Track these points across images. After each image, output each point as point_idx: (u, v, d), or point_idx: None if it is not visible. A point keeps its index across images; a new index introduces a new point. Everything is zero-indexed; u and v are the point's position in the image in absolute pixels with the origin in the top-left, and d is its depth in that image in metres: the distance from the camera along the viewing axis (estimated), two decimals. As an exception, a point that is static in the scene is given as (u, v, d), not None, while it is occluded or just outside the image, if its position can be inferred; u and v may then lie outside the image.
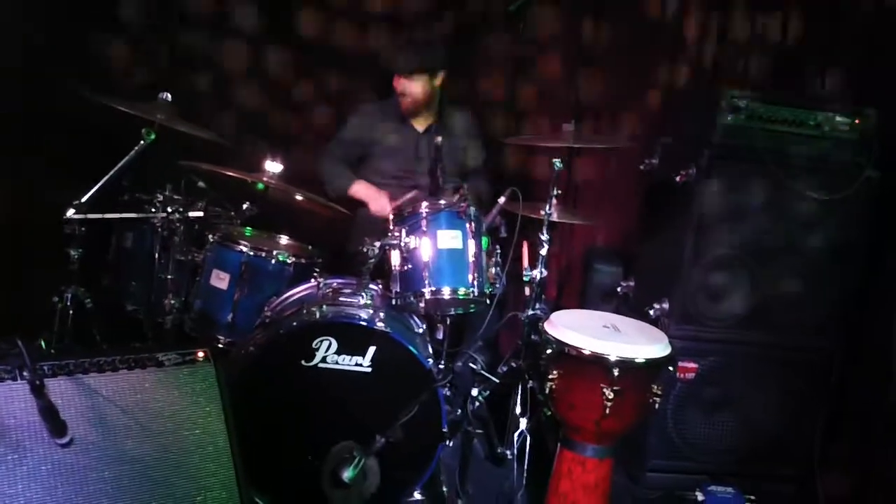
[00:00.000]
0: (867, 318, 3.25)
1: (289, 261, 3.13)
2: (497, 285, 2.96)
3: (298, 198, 3.05)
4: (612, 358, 2.47)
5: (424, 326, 3.06)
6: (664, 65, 4.06)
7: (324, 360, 2.61)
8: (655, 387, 2.57)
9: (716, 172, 3.06)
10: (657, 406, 2.61)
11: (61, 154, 3.36)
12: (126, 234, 3.35)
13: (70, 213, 2.91)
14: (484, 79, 4.20)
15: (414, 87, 3.50)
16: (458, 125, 3.73)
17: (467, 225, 2.81)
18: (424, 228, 2.77)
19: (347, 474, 2.57)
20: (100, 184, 2.94)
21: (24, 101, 3.27)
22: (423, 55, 3.53)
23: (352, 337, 2.62)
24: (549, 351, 2.62)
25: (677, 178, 3.12)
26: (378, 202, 3.45)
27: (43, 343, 3.06)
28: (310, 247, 3.36)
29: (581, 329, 2.59)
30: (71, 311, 3.03)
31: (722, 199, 3.08)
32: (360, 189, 3.54)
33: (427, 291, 2.75)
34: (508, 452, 3.02)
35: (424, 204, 2.82)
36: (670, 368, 2.63)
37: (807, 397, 3.28)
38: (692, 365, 3.20)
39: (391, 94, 3.63)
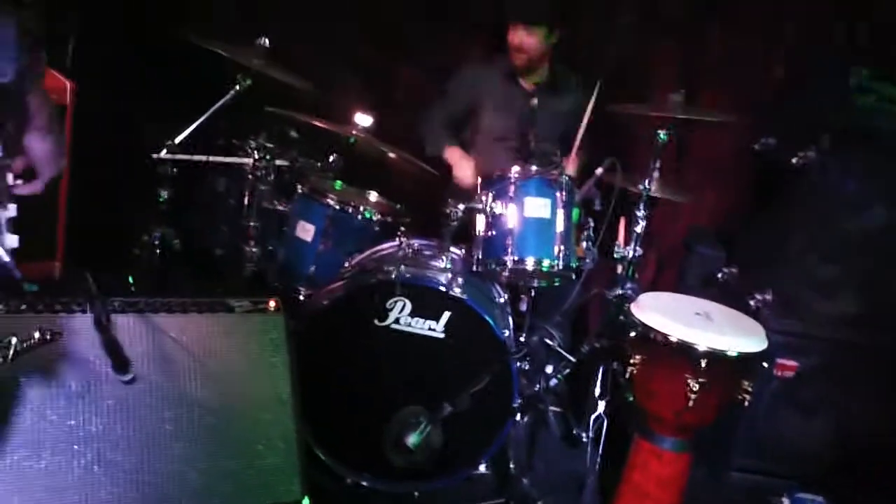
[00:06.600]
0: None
1: (374, 218, 3.06)
2: (587, 260, 2.81)
3: (391, 155, 2.98)
4: (701, 348, 2.30)
5: (506, 296, 2.95)
6: (790, 37, 3.76)
7: (397, 321, 2.55)
8: (747, 384, 2.38)
9: (838, 157, 2.81)
10: (747, 404, 2.41)
11: (159, 94, 3.40)
12: (219, 178, 3.38)
13: (163, 153, 2.94)
14: (596, 42, 4.00)
15: (531, 41, 3.35)
16: (568, 88, 3.56)
17: (558, 194, 2.66)
18: (512, 194, 2.64)
19: (412, 440, 2.53)
20: (192, 126, 2.95)
21: (128, 40, 3.32)
22: (546, 5, 3.38)
23: (427, 300, 2.55)
24: (633, 334, 2.46)
25: (794, 161, 2.88)
26: (462, 170, 3.37)
27: (131, 280, 3.13)
28: (398, 206, 3.28)
29: (669, 314, 2.42)
30: (158, 251, 3.07)
31: (841, 186, 2.83)
32: (451, 154, 3.46)
33: (509, 260, 2.62)
34: (584, 435, 2.90)
35: (514, 168, 2.68)
36: (765, 365, 2.44)
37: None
38: (792, 363, 2.98)
39: (499, 52, 3.50)
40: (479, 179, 3.00)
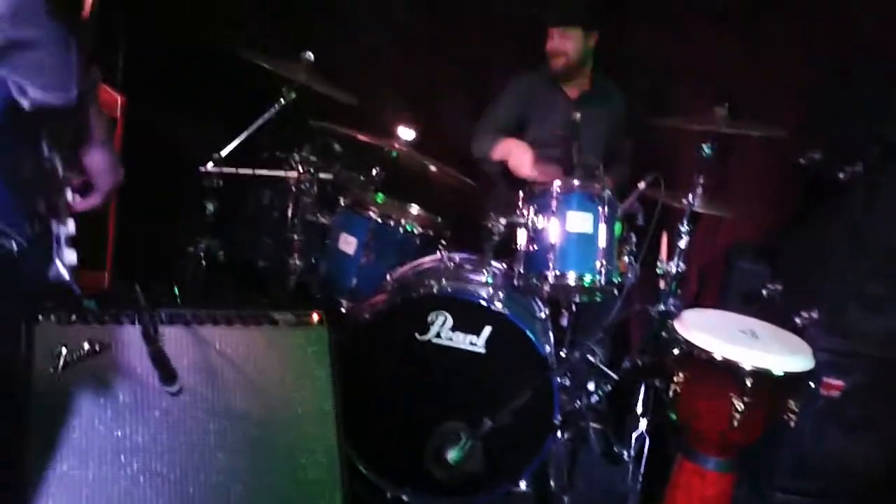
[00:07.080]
0: None
1: (416, 231, 3.08)
2: (629, 275, 2.79)
3: (432, 168, 3.00)
4: (747, 367, 2.25)
5: (547, 311, 2.94)
6: (833, 47, 3.69)
7: (438, 335, 2.55)
8: (793, 403, 2.34)
9: (886, 171, 2.75)
10: (793, 424, 2.37)
11: (205, 107, 3.45)
12: (264, 190, 3.42)
13: (209, 166, 2.98)
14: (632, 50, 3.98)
15: (567, 44, 3.37)
16: (608, 99, 3.55)
17: (600, 208, 2.65)
18: (554, 208, 2.63)
19: (452, 455, 2.52)
20: (239, 139, 2.99)
21: (176, 54, 3.38)
22: (580, 7, 3.40)
23: (468, 315, 2.55)
24: (676, 351, 2.43)
25: (840, 175, 2.83)
26: (520, 157, 3.22)
27: (177, 290, 3.17)
28: (439, 219, 3.28)
29: (714, 331, 2.39)
30: (204, 263, 3.11)
31: (889, 201, 2.77)
32: (505, 145, 3.32)
33: (551, 275, 2.61)
34: (625, 453, 2.87)
35: (556, 182, 2.67)
36: (811, 385, 2.39)
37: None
38: (838, 382, 2.92)
39: (539, 62, 3.51)
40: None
